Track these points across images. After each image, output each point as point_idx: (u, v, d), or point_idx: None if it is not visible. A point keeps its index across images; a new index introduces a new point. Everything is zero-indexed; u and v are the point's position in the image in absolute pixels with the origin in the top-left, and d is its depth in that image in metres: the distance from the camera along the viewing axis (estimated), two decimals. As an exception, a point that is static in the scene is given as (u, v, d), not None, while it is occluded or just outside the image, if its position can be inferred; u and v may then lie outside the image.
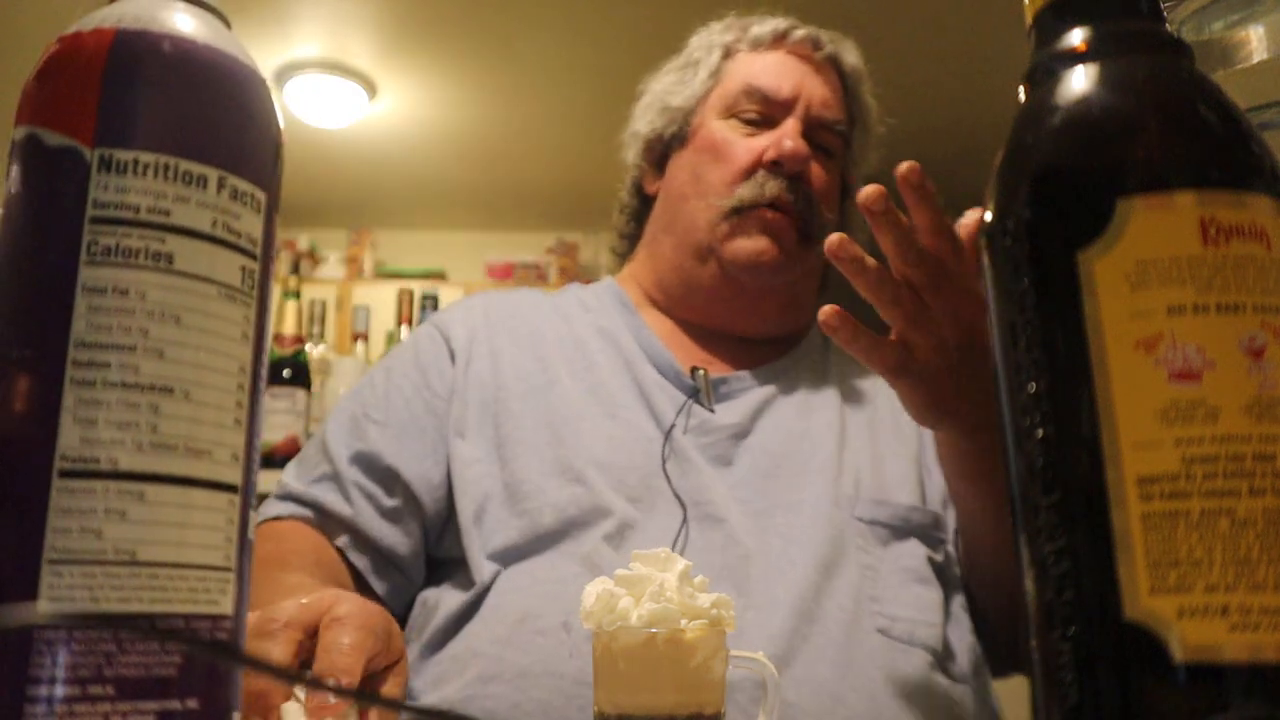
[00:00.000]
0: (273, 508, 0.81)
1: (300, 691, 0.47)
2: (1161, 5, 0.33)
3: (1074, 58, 0.32)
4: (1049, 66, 0.33)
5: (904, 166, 0.63)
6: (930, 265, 0.63)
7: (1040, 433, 0.30)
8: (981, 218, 0.33)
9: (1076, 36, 0.33)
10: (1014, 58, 0.41)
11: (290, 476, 0.83)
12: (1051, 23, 0.34)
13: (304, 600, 0.53)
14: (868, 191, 0.62)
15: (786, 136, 0.88)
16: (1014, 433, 0.31)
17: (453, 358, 0.87)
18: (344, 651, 0.50)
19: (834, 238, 0.63)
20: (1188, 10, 0.53)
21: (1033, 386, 0.30)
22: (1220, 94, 0.31)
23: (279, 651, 0.50)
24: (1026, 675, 0.31)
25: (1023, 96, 0.34)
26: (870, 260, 0.63)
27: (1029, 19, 0.35)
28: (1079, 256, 0.29)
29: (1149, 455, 0.28)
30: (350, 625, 0.51)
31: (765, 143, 0.89)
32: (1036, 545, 0.30)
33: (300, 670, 0.50)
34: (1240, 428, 0.27)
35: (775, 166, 0.87)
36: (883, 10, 2.86)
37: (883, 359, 0.65)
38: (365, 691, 0.52)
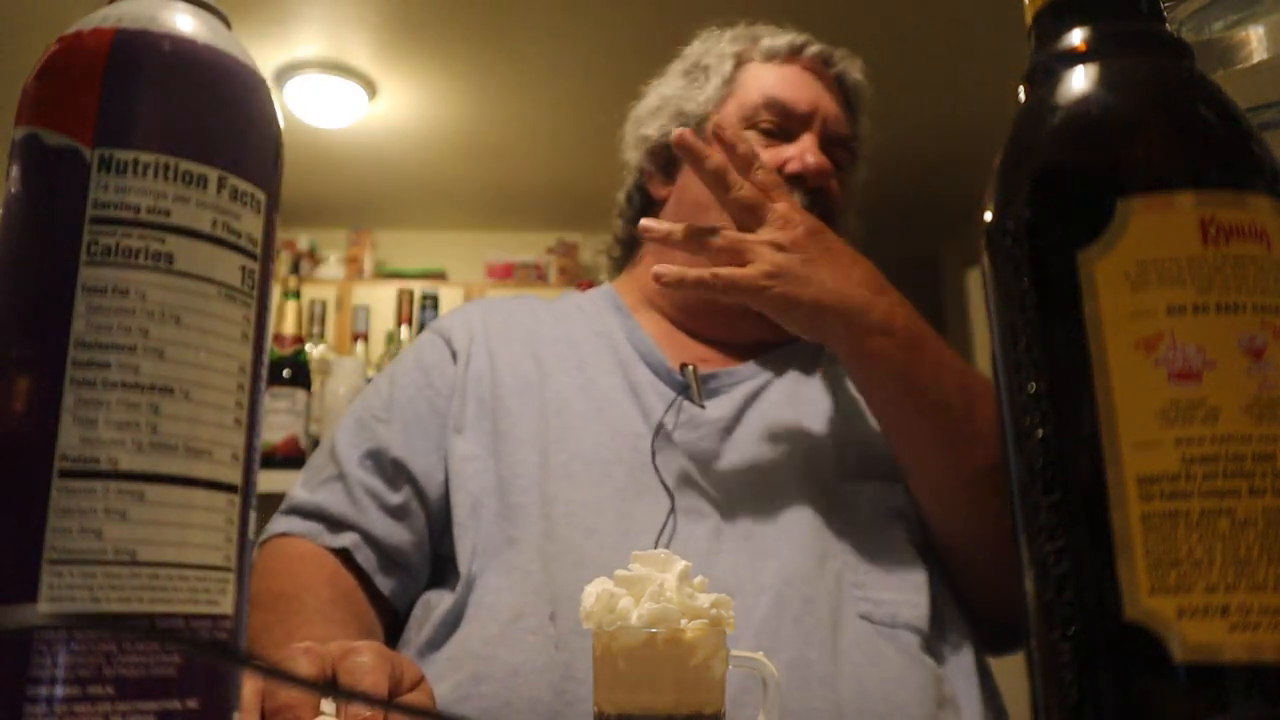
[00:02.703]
0: (279, 524, 0.81)
1: (327, 705, 0.48)
2: (1161, 5, 0.33)
3: (1074, 58, 0.32)
4: (1049, 66, 0.33)
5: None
6: (737, 206, 0.75)
7: (1040, 433, 0.30)
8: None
9: (1076, 36, 0.33)
10: (1014, 58, 0.41)
11: (299, 485, 0.84)
12: (1051, 23, 0.34)
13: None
14: (679, 133, 0.75)
15: (808, 151, 0.89)
16: (1014, 433, 0.31)
17: (454, 358, 0.89)
18: (367, 670, 0.51)
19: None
20: (1188, 10, 0.53)
21: (1033, 386, 0.30)
22: (1220, 94, 0.31)
23: (303, 667, 0.51)
24: (1020, 650, 0.31)
25: (1023, 96, 0.34)
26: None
27: (1029, 19, 0.35)
28: (1079, 256, 0.29)
29: (1149, 455, 0.28)
30: (368, 650, 0.53)
31: (787, 155, 0.90)
32: (1036, 545, 0.30)
33: (311, 678, 0.51)
34: (1240, 428, 0.27)
35: (797, 180, 0.89)
36: (883, 11, 2.86)
37: (728, 281, 0.72)
38: (393, 701, 0.52)
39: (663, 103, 1.00)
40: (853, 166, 0.97)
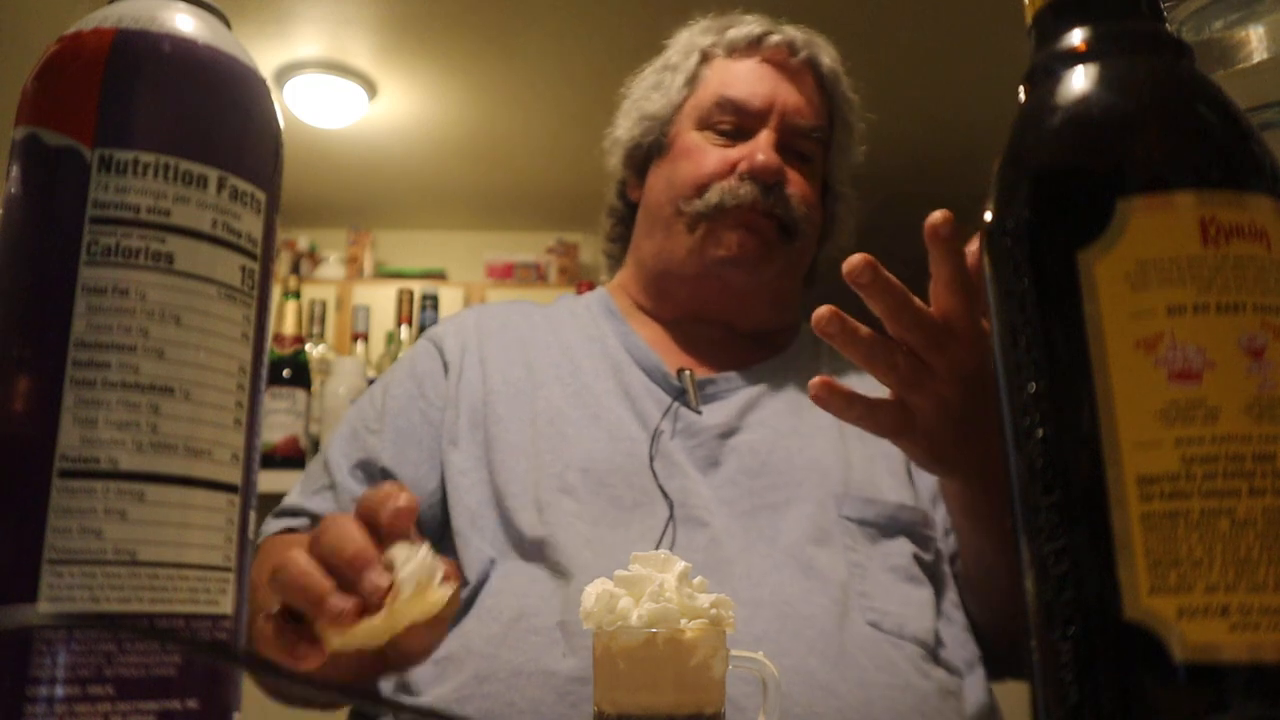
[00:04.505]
0: (271, 525, 0.82)
1: (399, 551, 0.45)
2: (1161, 5, 0.33)
3: (1074, 58, 0.32)
4: (1049, 66, 0.33)
5: (937, 216, 0.59)
6: (929, 326, 0.59)
7: (1040, 433, 0.30)
8: (983, 230, 0.32)
9: (1076, 36, 0.33)
10: (1014, 58, 0.41)
11: (293, 493, 0.84)
12: (1051, 23, 0.34)
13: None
14: (852, 263, 0.58)
15: (759, 150, 0.88)
16: (1014, 433, 0.31)
17: (446, 369, 0.89)
18: (401, 501, 0.47)
19: (822, 312, 0.59)
20: (1188, 10, 0.53)
21: (1033, 386, 0.30)
22: (1220, 94, 0.31)
23: (353, 531, 0.47)
24: (1024, 679, 0.31)
25: (1023, 96, 0.34)
26: (863, 330, 0.60)
27: (1029, 19, 0.35)
28: (1079, 256, 0.29)
29: (1149, 455, 0.28)
30: (402, 494, 0.48)
31: (739, 154, 0.89)
32: (1036, 545, 0.30)
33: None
34: (1240, 428, 0.27)
35: (749, 177, 0.88)
36: (882, 11, 2.86)
37: (879, 423, 0.62)
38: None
39: (630, 104, 1.00)
40: (823, 155, 0.95)
